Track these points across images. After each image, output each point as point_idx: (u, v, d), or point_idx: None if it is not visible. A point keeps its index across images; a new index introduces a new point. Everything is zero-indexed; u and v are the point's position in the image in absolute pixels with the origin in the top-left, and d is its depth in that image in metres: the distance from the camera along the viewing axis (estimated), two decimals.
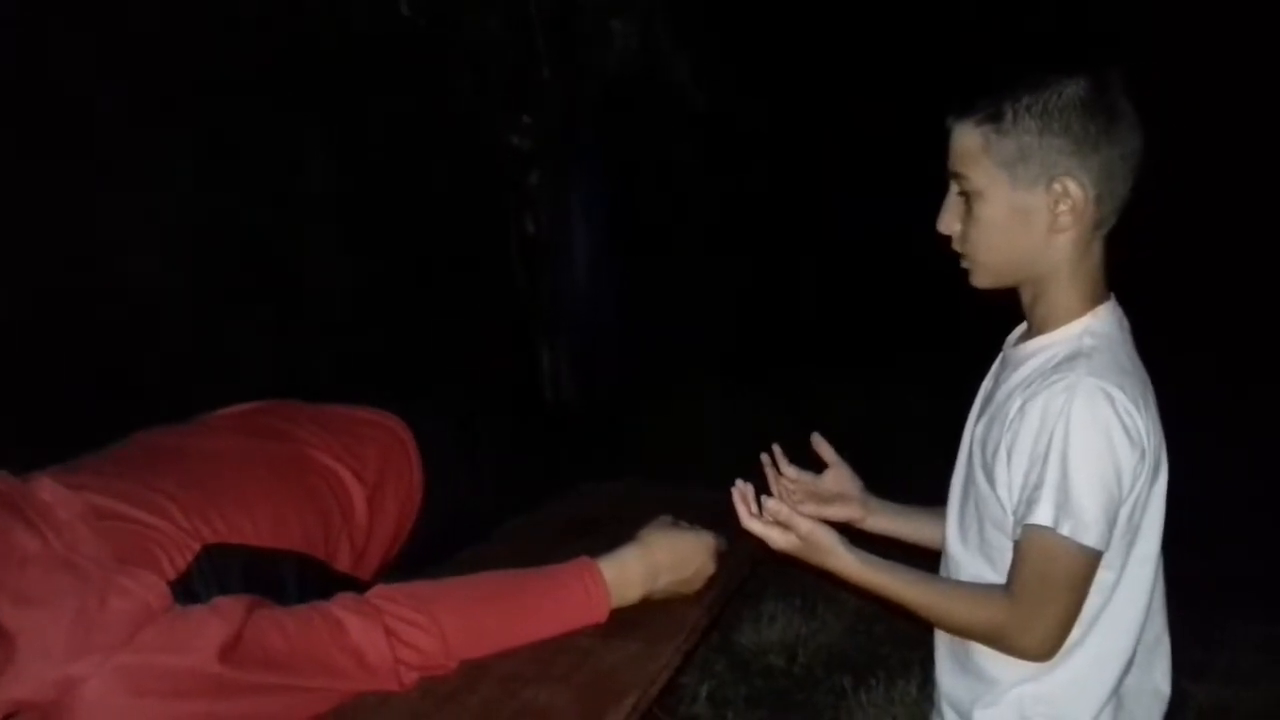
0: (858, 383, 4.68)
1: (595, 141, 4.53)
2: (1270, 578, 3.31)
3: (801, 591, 3.24)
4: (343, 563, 1.61)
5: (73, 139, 2.89)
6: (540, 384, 4.43)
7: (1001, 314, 1.43)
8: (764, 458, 1.57)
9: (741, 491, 1.33)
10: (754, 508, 1.32)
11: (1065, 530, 1.21)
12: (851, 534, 1.35)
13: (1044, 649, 1.27)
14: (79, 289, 2.92)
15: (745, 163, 5.23)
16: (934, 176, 1.38)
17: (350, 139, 3.78)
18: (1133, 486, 1.26)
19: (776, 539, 1.30)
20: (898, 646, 2.96)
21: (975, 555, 1.38)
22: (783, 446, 1.58)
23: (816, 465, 1.59)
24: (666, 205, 5.05)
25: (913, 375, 4.54)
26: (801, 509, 1.32)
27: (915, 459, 2.13)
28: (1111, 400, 1.23)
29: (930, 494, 1.58)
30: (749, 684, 2.96)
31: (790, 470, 1.57)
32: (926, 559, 1.49)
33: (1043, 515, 1.22)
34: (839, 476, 1.59)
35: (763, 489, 1.38)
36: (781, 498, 1.39)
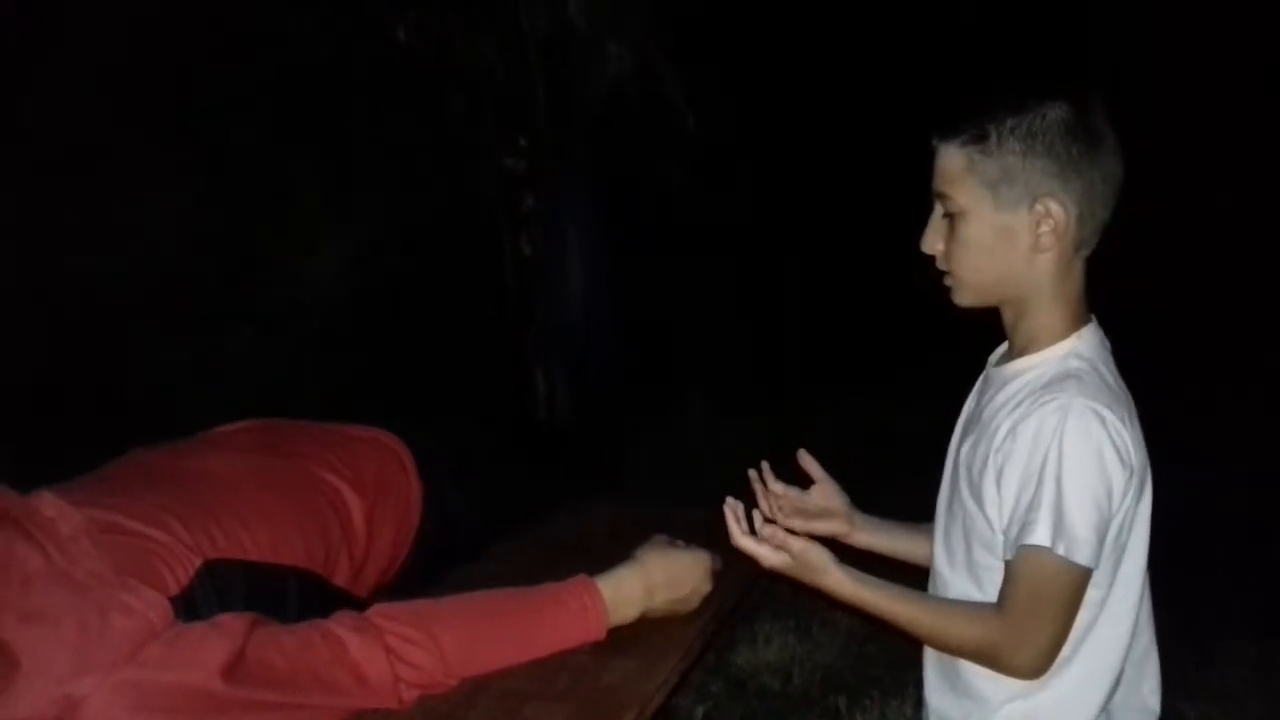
0: (844, 399, 4.71)
1: (590, 163, 4.55)
2: (1262, 596, 3.32)
3: (796, 612, 3.24)
4: (341, 577, 1.62)
5: (66, 157, 2.90)
6: (535, 405, 4.44)
7: (984, 332, 1.44)
8: (752, 474, 1.58)
9: (733, 508, 1.35)
10: (745, 525, 1.34)
11: (1061, 550, 1.22)
12: (837, 549, 1.36)
13: (1036, 667, 1.28)
14: (70, 305, 2.92)
15: (738, 183, 5.26)
16: (920, 196, 1.40)
17: (346, 161, 3.80)
18: (1121, 504, 1.28)
19: (768, 556, 1.31)
20: (892, 667, 2.96)
21: (963, 575, 1.39)
22: (771, 463, 1.60)
23: (803, 481, 1.61)
24: (660, 226, 5.07)
25: (899, 391, 4.56)
26: (789, 524, 1.33)
27: (901, 475, 2.14)
28: (1103, 420, 1.25)
29: (916, 511, 1.59)
30: (744, 705, 2.96)
31: (777, 486, 1.59)
32: (913, 575, 1.51)
33: (1039, 535, 1.23)
34: (825, 492, 1.60)
35: (751, 505, 1.40)
36: (769, 513, 1.40)
